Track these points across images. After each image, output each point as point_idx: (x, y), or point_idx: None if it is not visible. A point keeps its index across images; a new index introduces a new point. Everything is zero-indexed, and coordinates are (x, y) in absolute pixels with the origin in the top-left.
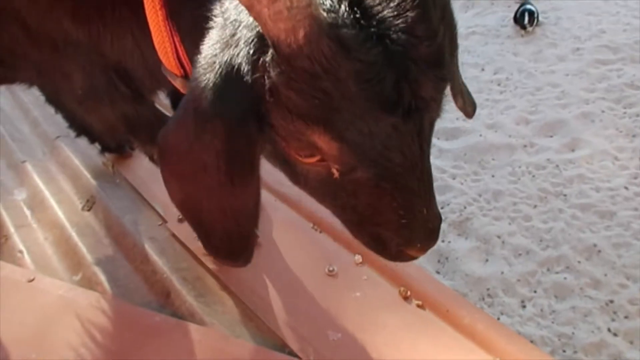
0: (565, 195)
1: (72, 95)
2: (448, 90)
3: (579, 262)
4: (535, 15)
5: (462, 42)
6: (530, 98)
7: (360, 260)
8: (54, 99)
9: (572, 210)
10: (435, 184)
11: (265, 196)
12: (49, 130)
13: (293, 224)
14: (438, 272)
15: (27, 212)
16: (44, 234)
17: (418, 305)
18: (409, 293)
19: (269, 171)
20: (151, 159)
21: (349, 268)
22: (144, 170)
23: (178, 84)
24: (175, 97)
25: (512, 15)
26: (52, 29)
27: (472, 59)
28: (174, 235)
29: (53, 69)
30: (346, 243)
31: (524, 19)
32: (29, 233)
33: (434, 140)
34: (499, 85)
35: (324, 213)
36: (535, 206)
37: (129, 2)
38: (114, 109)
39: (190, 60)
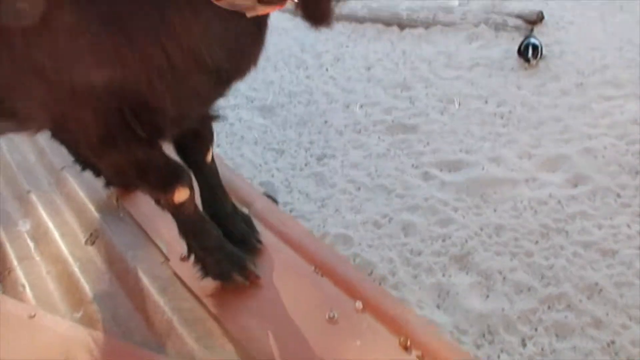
0: (567, 231)
1: (87, 142)
2: None
3: (581, 300)
4: (539, 48)
5: (465, 74)
6: (533, 132)
7: (361, 306)
8: (60, 138)
9: (574, 247)
10: (436, 217)
11: (268, 236)
12: (55, 161)
13: (295, 266)
14: (438, 307)
15: (31, 244)
16: (46, 267)
17: (418, 357)
18: (409, 343)
19: (270, 210)
20: (157, 202)
21: (349, 315)
22: (149, 206)
23: None
24: (181, 142)
25: (516, 48)
26: (72, 73)
27: (476, 91)
28: (176, 274)
29: (68, 117)
30: (347, 288)
31: (528, 52)
32: (32, 266)
33: (436, 172)
34: (502, 118)
35: (326, 255)
36: (536, 242)
37: (154, 10)
38: (127, 154)
39: None
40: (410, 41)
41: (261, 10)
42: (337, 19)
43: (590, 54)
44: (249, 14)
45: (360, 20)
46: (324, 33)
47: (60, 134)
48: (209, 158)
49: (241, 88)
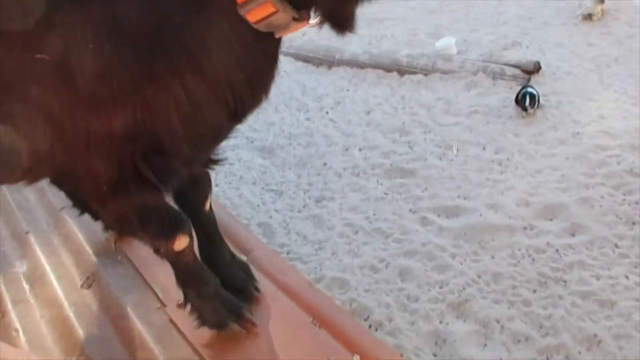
0: (565, 281)
1: (95, 191)
2: None
3: (580, 352)
4: (536, 98)
5: (464, 121)
6: (531, 180)
7: None
8: (59, 184)
9: (572, 297)
10: (434, 262)
11: (266, 284)
12: (54, 201)
13: (292, 315)
14: (435, 355)
15: (26, 287)
16: (40, 311)
17: None
18: None
19: (270, 259)
20: (156, 251)
21: None
22: (146, 250)
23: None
24: (180, 190)
25: (514, 96)
26: (90, 119)
27: (474, 138)
28: (171, 320)
29: (77, 167)
30: (345, 341)
31: (525, 101)
32: (26, 310)
33: (434, 217)
34: (499, 165)
35: (324, 306)
36: (534, 291)
37: (176, 43)
38: (134, 202)
39: None
40: (409, 87)
41: (293, 28)
42: (338, 64)
43: (586, 105)
44: (279, 34)
45: (361, 65)
46: (325, 77)
47: (62, 182)
48: (207, 206)
49: (242, 129)
